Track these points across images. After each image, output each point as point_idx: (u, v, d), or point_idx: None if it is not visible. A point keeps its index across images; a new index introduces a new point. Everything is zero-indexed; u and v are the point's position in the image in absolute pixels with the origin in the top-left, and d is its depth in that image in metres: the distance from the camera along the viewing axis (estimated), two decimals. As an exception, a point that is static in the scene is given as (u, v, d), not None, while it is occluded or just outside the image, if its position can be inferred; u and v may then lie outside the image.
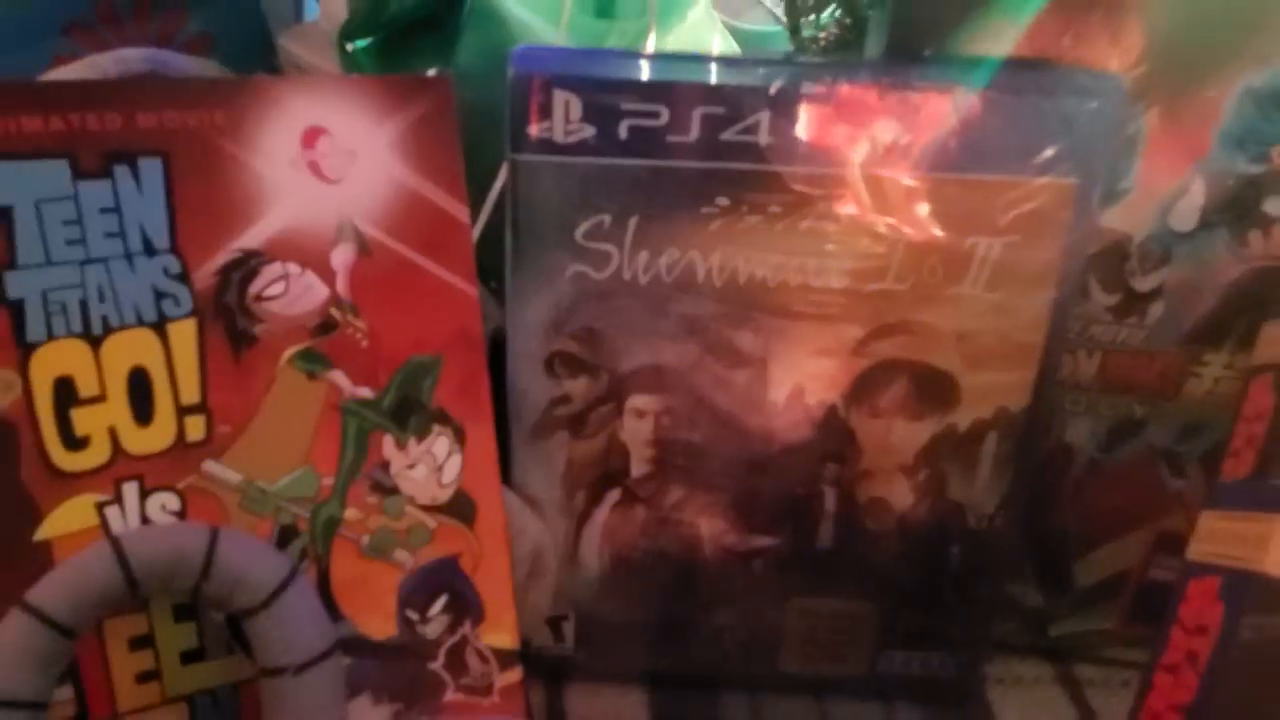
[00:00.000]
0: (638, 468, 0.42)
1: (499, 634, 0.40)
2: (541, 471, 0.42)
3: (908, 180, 0.37)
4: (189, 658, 0.36)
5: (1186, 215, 0.41)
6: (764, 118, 0.37)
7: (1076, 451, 0.45)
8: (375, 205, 0.37)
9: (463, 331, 0.39)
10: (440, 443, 0.39)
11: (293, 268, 0.36)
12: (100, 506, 0.34)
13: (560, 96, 0.36)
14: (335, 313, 0.37)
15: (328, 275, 0.37)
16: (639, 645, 0.45)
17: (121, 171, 0.34)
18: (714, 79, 0.37)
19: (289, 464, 0.36)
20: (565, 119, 0.37)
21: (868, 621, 0.44)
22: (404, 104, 0.37)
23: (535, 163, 0.37)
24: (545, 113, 0.37)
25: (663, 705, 0.45)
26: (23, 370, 0.33)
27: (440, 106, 0.38)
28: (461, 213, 0.38)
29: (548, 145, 0.37)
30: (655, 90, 0.36)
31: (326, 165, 0.37)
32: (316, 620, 0.33)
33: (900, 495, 0.42)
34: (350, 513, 0.37)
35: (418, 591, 0.38)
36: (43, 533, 0.33)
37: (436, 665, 0.39)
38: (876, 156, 0.37)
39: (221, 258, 0.35)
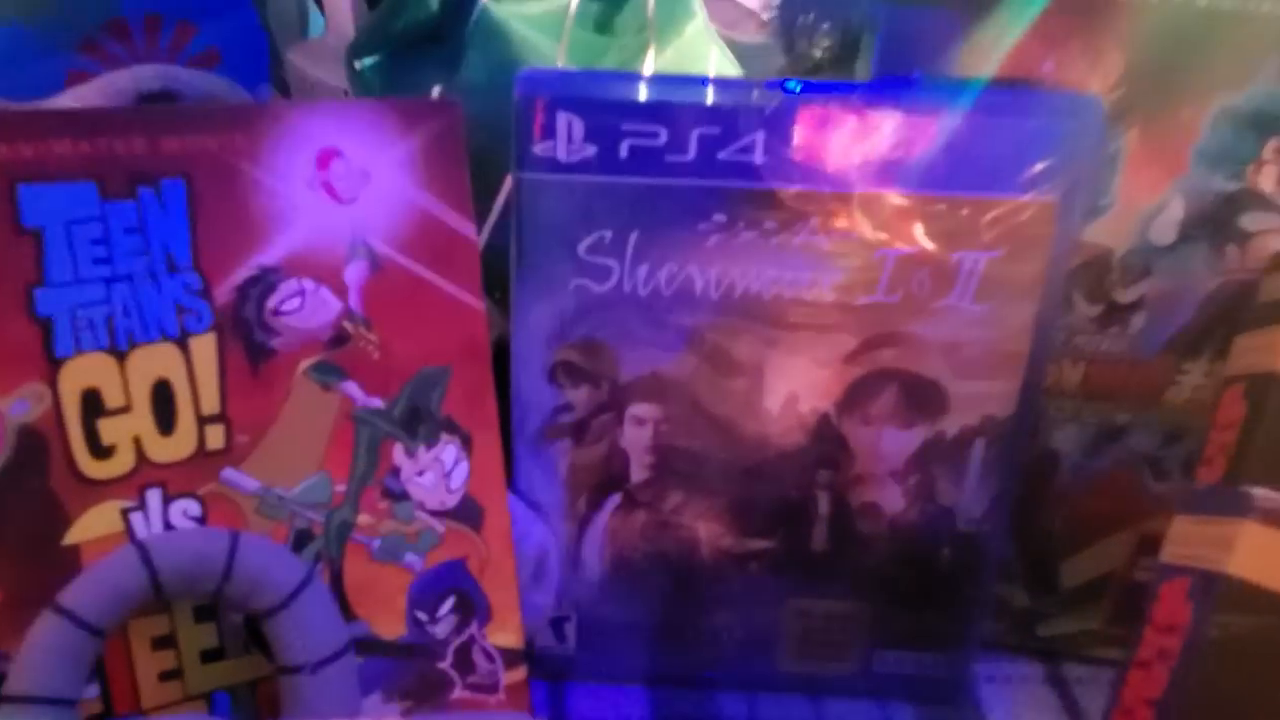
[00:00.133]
0: (638, 473, 0.42)
1: (504, 634, 0.40)
2: (545, 477, 0.43)
3: (897, 197, 0.38)
4: (209, 657, 0.36)
5: (1166, 230, 0.41)
6: (759, 138, 0.37)
7: (1062, 457, 0.45)
8: (387, 224, 0.37)
9: (470, 344, 0.39)
10: (448, 450, 0.39)
11: (308, 283, 0.37)
12: (125, 512, 0.34)
13: (563, 117, 0.37)
14: (348, 326, 0.37)
15: (341, 290, 0.37)
16: (639, 645, 0.46)
17: (146, 193, 0.34)
18: (711, 100, 0.37)
19: (304, 471, 0.37)
20: (568, 139, 0.37)
21: (861, 622, 0.45)
22: (414, 127, 0.37)
23: (539, 180, 0.38)
24: (549, 133, 0.37)
25: (662, 704, 0.45)
26: (52, 383, 0.33)
27: (449, 129, 0.38)
28: (469, 230, 0.39)
29: (551, 164, 0.38)
30: (654, 111, 0.37)
31: (340, 186, 0.37)
32: (331, 620, 0.34)
33: (891, 500, 0.42)
34: (362, 518, 0.38)
35: (427, 593, 0.39)
36: (71, 537, 0.34)
37: (445, 664, 0.39)
38: (867, 175, 0.38)
39: (240, 274, 0.36)
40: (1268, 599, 0.28)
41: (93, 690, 0.34)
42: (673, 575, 0.44)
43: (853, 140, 0.37)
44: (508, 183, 0.44)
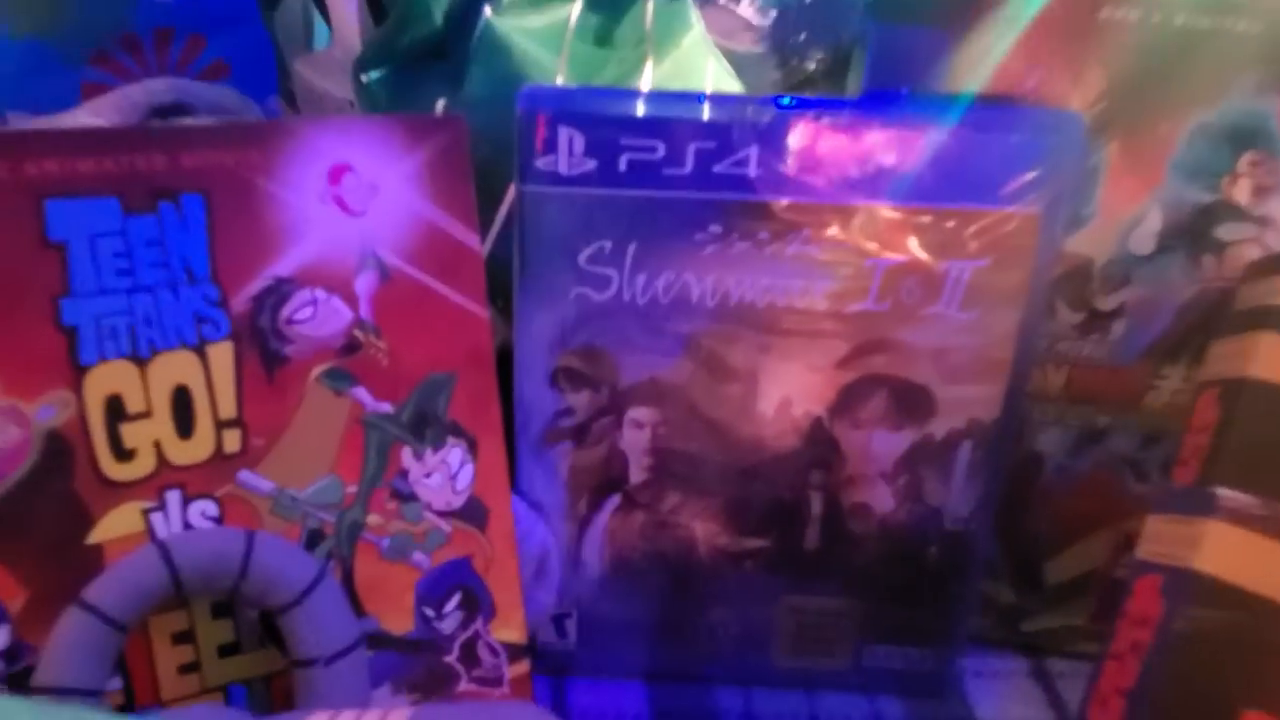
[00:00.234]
0: (636, 475, 0.43)
1: (508, 629, 0.40)
2: (547, 479, 0.43)
3: (887, 209, 0.38)
4: (226, 651, 0.36)
5: (1145, 240, 0.41)
6: (753, 152, 0.37)
7: (1046, 459, 0.45)
8: (395, 235, 0.38)
9: (475, 351, 0.39)
10: (454, 453, 0.39)
11: (320, 293, 0.37)
12: (146, 513, 0.35)
13: (564, 133, 0.37)
14: (359, 334, 0.37)
15: (352, 300, 0.37)
16: (638, 641, 0.46)
17: (167, 208, 0.34)
18: (706, 116, 0.37)
19: (317, 473, 0.37)
20: (569, 153, 0.38)
21: (852, 618, 0.45)
22: (421, 142, 0.37)
23: (541, 193, 0.38)
24: (550, 147, 0.38)
25: (660, 698, 0.45)
26: (77, 389, 0.33)
27: (454, 144, 0.38)
28: (474, 242, 0.39)
29: (553, 177, 0.38)
30: (652, 126, 0.37)
31: (351, 199, 0.37)
32: (343, 616, 0.34)
33: (881, 500, 0.43)
34: (372, 518, 0.38)
35: (434, 590, 0.39)
36: (94, 536, 0.34)
37: (451, 658, 0.39)
38: (857, 188, 0.38)
39: (256, 285, 0.36)
40: (1233, 594, 0.29)
41: (116, 682, 0.34)
42: (670, 573, 0.44)
43: (843, 154, 0.38)
44: (510, 193, 0.44)
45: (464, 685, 0.40)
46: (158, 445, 0.35)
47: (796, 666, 0.46)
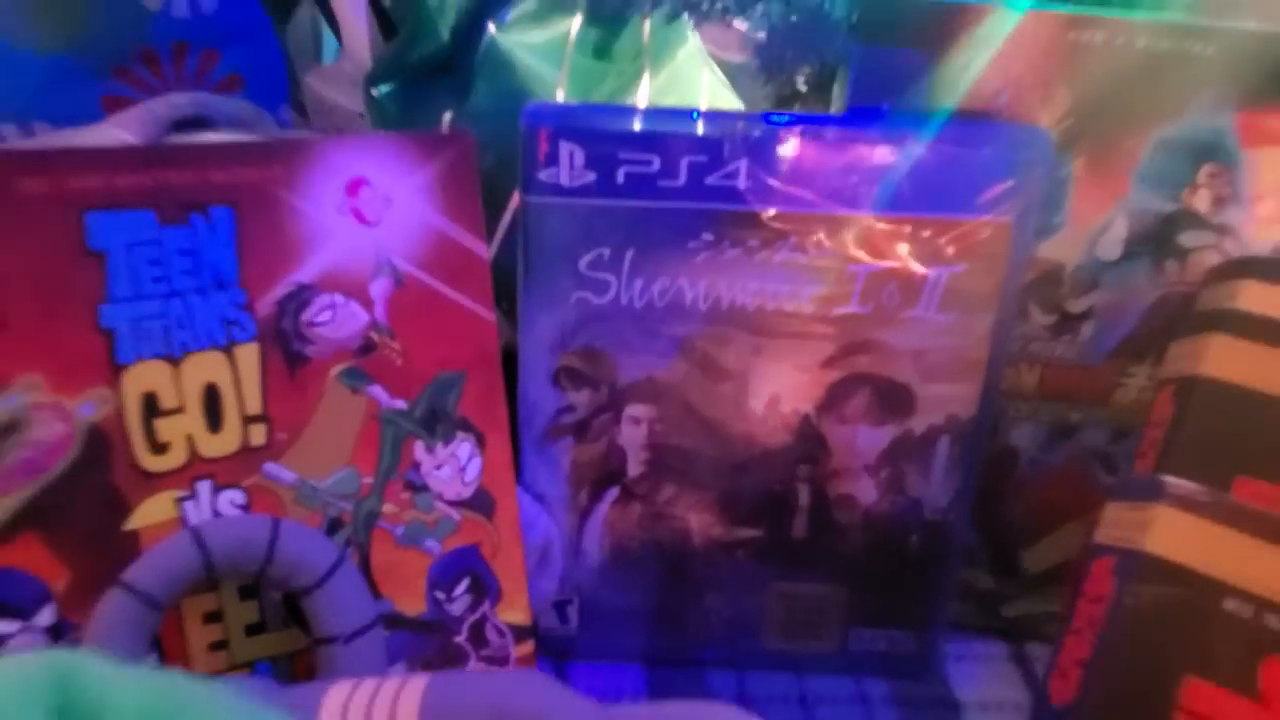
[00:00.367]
0: (634, 468, 0.44)
1: (514, 612, 0.41)
2: (549, 472, 0.44)
3: (868, 219, 0.39)
4: (252, 630, 0.37)
5: (1111, 247, 0.42)
6: (742, 164, 0.39)
7: (1021, 453, 0.46)
8: (408, 244, 0.39)
9: (482, 352, 0.40)
10: (463, 447, 0.40)
11: (339, 298, 0.38)
12: (179, 501, 0.36)
13: (565, 147, 0.38)
14: (374, 336, 0.38)
15: (368, 304, 0.38)
16: (636, 627, 0.47)
17: (198, 219, 0.35)
18: (699, 131, 0.38)
19: (336, 465, 0.38)
20: (570, 166, 0.39)
21: (839, 603, 0.46)
22: (432, 157, 0.39)
23: (544, 203, 0.39)
24: (552, 160, 0.39)
25: (657, 680, 0.46)
26: (115, 387, 0.34)
27: (463, 159, 0.39)
28: (481, 250, 0.40)
29: (555, 188, 0.39)
30: (648, 141, 0.38)
31: (367, 211, 0.38)
32: (361, 597, 0.36)
33: (865, 491, 0.44)
34: (387, 507, 0.39)
35: (444, 575, 0.40)
36: (131, 523, 0.35)
37: (461, 638, 0.40)
38: (841, 198, 0.39)
39: (279, 290, 0.37)
40: (1178, 572, 0.30)
41: (151, 659, 0.35)
42: (667, 562, 0.45)
43: (828, 167, 0.39)
44: (513, 201, 0.45)
45: (473, 664, 0.40)
46: (189, 439, 0.36)
47: (786, 649, 0.47)
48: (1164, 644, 0.31)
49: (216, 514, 0.36)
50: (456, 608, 0.40)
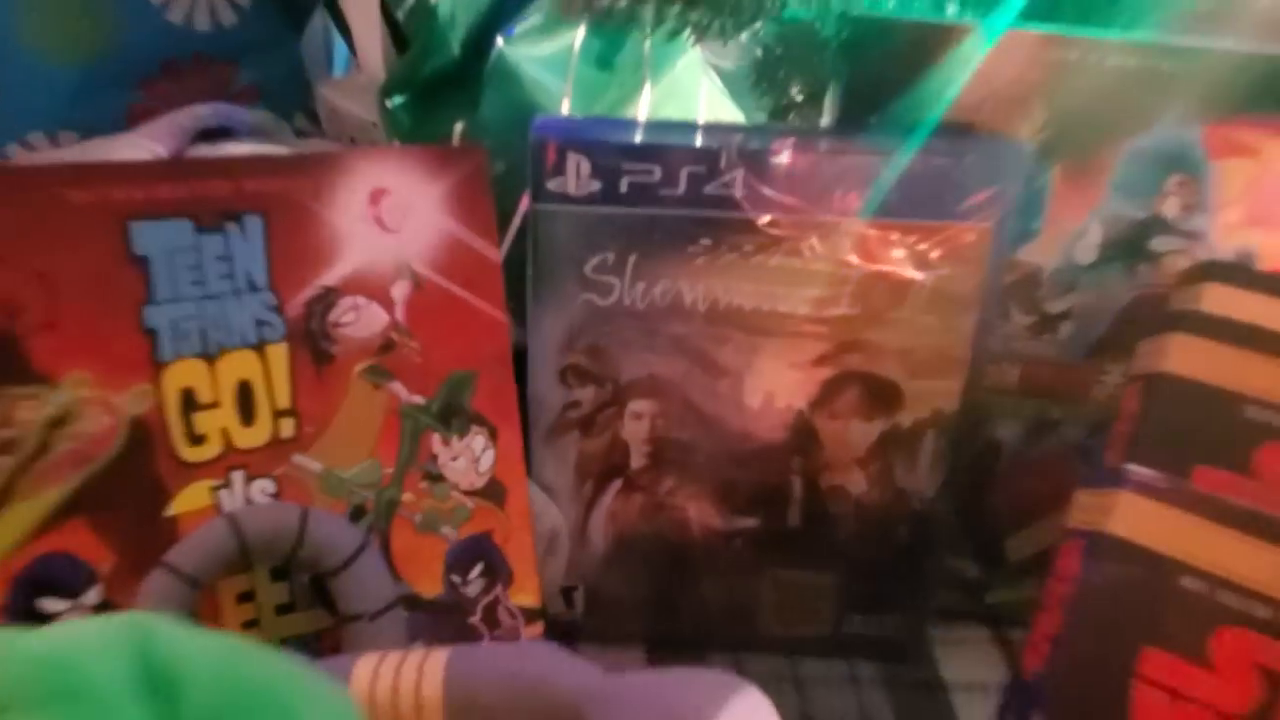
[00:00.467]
0: (637, 461, 0.45)
1: (525, 595, 0.43)
2: (556, 464, 0.45)
3: (858, 225, 0.40)
4: (282, 610, 0.39)
5: (1087, 251, 0.44)
6: (739, 174, 0.40)
7: (1004, 446, 0.47)
8: (426, 250, 0.40)
9: (495, 351, 0.41)
10: (478, 440, 0.41)
11: (361, 300, 0.39)
12: (215, 489, 0.37)
13: (572, 158, 0.40)
14: (395, 336, 0.40)
15: (389, 306, 0.39)
16: (638, 612, 0.48)
17: (232, 227, 0.37)
18: (698, 143, 0.40)
19: (359, 456, 0.39)
20: (576, 176, 0.40)
21: (831, 590, 0.47)
22: (449, 169, 0.40)
23: (552, 211, 0.41)
24: (560, 170, 0.40)
25: (658, 663, 0.47)
26: (156, 383, 0.36)
27: (477, 170, 0.41)
28: (494, 255, 0.41)
29: (562, 197, 0.40)
30: (650, 152, 0.40)
31: (388, 219, 0.39)
32: (383, 579, 0.37)
33: (856, 483, 0.45)
34: (406, 496, 0.40)
35: (460, 559, 0.41)
36: (171, 510, 0.37)
37: (475, 619, 0.42)
38: (831, 206, 0.40)
39: (307, 293, 0.38)
40: (1138, 552, 0.32)
41: None
42: (667, 550, 0.46)
43: (819, 176, 0.40)
44: (522, 206, 0.46)
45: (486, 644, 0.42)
46: (224, 431, 0.38)
47: (781, 633, 0.48)
48: (1125, 618, 0.32)
49: (249, 502, 0.38)
50: (471, 590, 0.42)
